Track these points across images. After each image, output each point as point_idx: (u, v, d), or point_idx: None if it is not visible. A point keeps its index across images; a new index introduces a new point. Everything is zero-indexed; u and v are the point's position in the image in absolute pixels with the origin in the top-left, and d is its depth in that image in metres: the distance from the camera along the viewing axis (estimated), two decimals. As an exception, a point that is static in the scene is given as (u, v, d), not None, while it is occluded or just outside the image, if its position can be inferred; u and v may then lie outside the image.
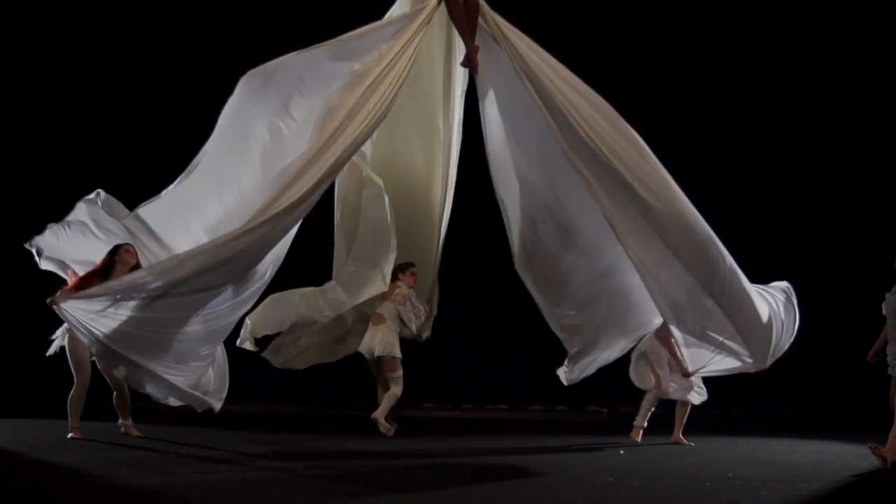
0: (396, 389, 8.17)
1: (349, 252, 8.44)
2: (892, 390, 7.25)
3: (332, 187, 8.04)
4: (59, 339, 7.52)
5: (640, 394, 8.31)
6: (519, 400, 11.03)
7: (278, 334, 8.39)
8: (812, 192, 10.84)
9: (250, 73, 7.06)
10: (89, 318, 6.45)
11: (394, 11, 7.91)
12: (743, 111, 10.95)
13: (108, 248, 7.40)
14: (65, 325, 7.08)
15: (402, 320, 8.27)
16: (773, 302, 7.48)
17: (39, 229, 7.65)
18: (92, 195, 7.53)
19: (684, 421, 8.20)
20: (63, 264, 7.63)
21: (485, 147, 7.95)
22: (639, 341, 8.21)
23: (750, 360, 7.36)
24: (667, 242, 6.94)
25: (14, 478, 6.07)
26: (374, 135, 8.22)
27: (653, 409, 8.28)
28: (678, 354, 7.75)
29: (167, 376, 6.86)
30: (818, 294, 8.37)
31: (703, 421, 8.67)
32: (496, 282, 10.26)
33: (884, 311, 7.26)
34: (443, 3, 7.44)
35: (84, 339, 6.68)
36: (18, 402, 9.78)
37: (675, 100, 10.77)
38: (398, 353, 8.15)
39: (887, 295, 7.22)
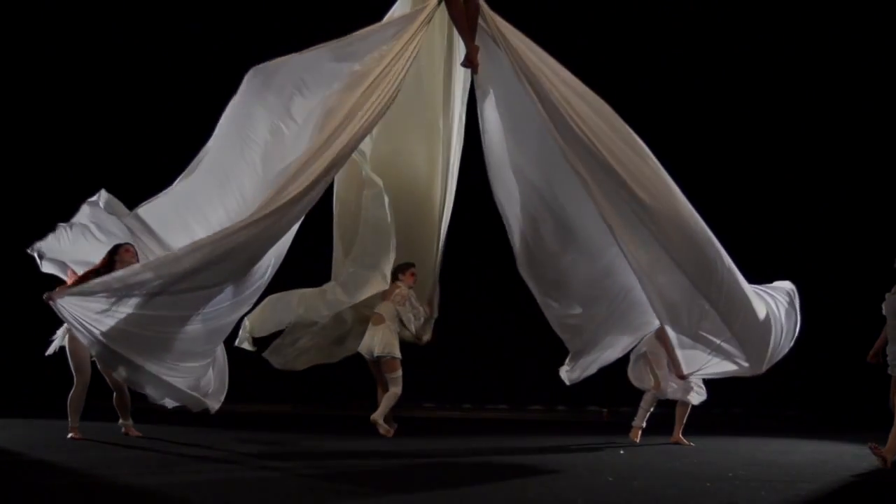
0: (396, 390, 8.17)
1: (348, 253, 8.43)
2: (892, 390, 7.25)
3: (331, 187, 8.05)
4: (59, 338, 7.52)
5: (640, 394, 8.32)
6: (519, 400, 11.03)
7: (277, 335, 8.40)
8: (812, 192, 10.84)
9: (252, 72, 7.08)
10: (87, 316, 6.44)
11: (394, 11, 7.92)
12: (743, 112, 10.94)
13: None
14: (65, 324, 7.07)
15: (401, 321, 8.26)
16: (773, 305, 7.43)
17: (39, 230, 7.65)
18: (94, 197, 7.52)
19: (684, 421, 8.20)
20: (63, 265, 7.63)
21: (483, 148, 7.95)
22: (639, 341, 8.21)
23: (746, 365, 7.31)
24: (664, 244, 6.92)
25: (14, 478, 6.08)
26: (375, 134, 8.26)
27: (652, 409, 8.28)
28: (674, 356, 7.73)
29: (167, 378, 6.86)
30: (818, 294, 8.37)
31: (703, 421, 8.67)
32: (496, 282, 10.27)
33: (884, 311, 7.26)
34: (443, 3, 7.44)
35: (83, 340, 6.66)
36: (18, 402, 9.78)
37: (676, 100, 10.76)
38: (397, 354, 8.14)
39: (887, 295, 7.22)
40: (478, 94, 7.85)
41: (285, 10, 10.78)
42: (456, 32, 7.73)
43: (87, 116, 10.85)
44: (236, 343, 8.04)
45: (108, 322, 6.47)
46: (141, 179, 7.94)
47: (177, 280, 6.48)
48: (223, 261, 6.56)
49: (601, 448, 7.93)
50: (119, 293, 6.45)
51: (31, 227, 7.81)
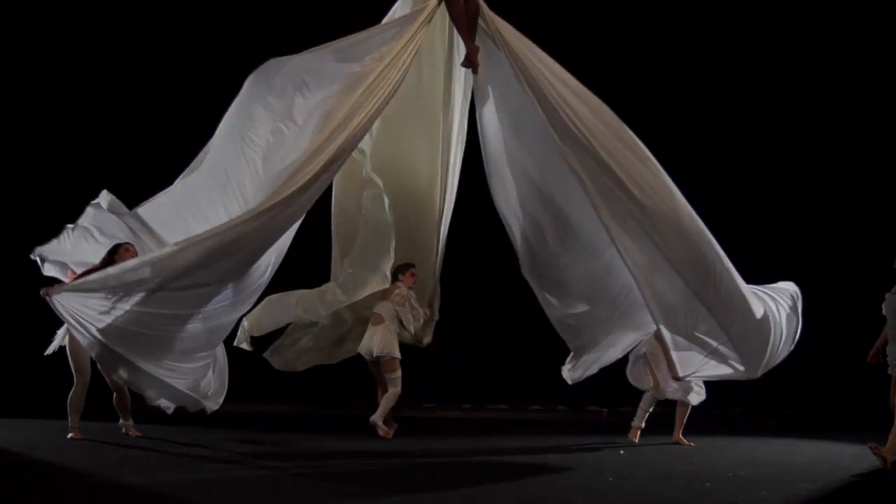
0: (395, 390, 8.15)
1: (348, 254, 8.43)
2: (892, 390, 7.25)
3: (330, 189, 8.05)
4: (59, 338, 7.52)
5: (640, 394, 8.31)
6: (519, 400, 11.03)
7: (275, 335, 8.40)
8: (812, 193, 10.84)
9: (254, 75, 7.09)
10: (84, 314, 6.41)
11: (395, 11, 7.93)
12: (742, 112, 10.94)
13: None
14: (66, 324, 7.07)
15: (401, 322, 8.25)
16: (774, 309, 7.37)
17: (39, 229, 7.65)
18: (97, 198, 7.52)
19: (684, 421, 8.20)
20: (64, 266, 7.62)
21: (481, 148, 7.96)
22: (639, 342, 8.20)
23: (742, 368, 7.24)
24: (660, 245, 6.88)
25: (14, 478, 6.08)
26: (376, 134, 8.27)
27: (651, 409, 8.27)
28: (669, 357, 7.65)
29: (167, 379, 6.86)
30: (818, 294, 8.36)
31: (703, 421, 8.67)
32: (496, 282, 10.28)
33: (884, 312, 7.26)
34: (443, 4, 7.44)
35: (81, 339, 6.63)
36: (18, 402, 9.78)
37: (676, 101, 10.76)
38: (397, 354, 8.14)
39: (887, 295, 7.22)
40: (476, 94, 7.85)
41: (286, 11, 10.78)
42: (456, 33, 7.73)
43: (88, 116, 10.85)
44: (235, 343, 8.04)
45: (106, 320, 6.46)
46: (141, 179, 7.95)
47: (176, 277, 6.47)
48: (222, 257, 6.55)
49: (601, 448, 7.93)
50: (117, 290, 6.44)
51: (31, 228, 7.82)
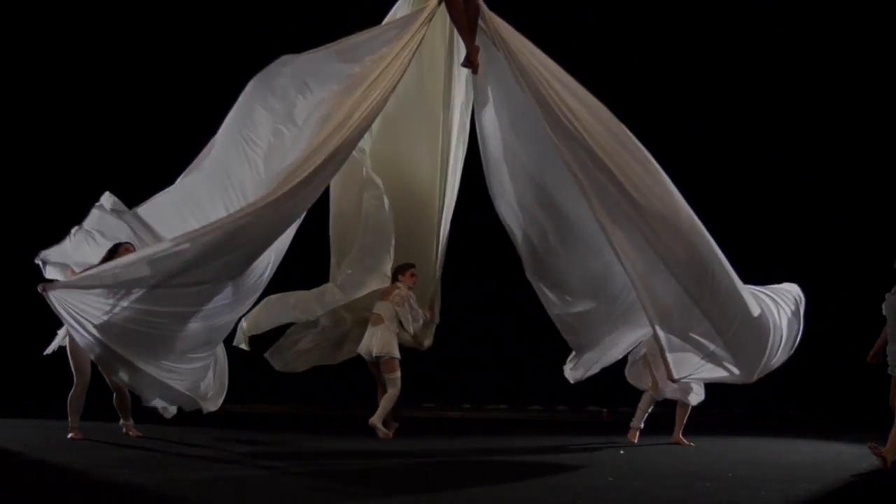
0: (394, 391, 8.15)
1: (346, 255, 8.43)
2: (892, 390, 7.25)
3: (328, 191, 8.05)
4: (60, 338, 7.52)
5: (640, 395, 8.31)
6: (519, 400, 11.03)
7: (274, 335, 8.40)
8: (812, 193, 10.83)
9: (257, 76, 7.10)
10: (81, 310, 6.39)
11: (396, 11, 7.94)
12: (742, 112, 10.94)
13: None
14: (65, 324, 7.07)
15: (400, 323, 8.24)
16: (775, 313, 7.34)
17: (40, 229, 7.66)
18: (101, 200, 7.52)
19: (684, 422, 8.20)
20: (65, 266, 7.63)
21: (480, 148, 7.96)
22: (639, 342, 8.19)
23: (737, 372, 7.23)
24: (657, 247, 6.85)
25: (14, 478, 6.08)
26: (377, 135, 8.28)
27: (649, 410, 8.27)
28: (664, 358, 7.60)
29: (167, 380, 6.86)
30: (818, 294, 8.36)
31: (703, 421, 8.67)
32: (496, 282, 10.28)
33: (884, 312, 7.25)
34: (443, 4, 7.45)
35: (78, 339, 6.62)
36: (18, 402, 9.78)
37: (677, 101, 10.76)
38: (396, 354, 8.13)
39: (887, 295, 7.21)
40: (476, 94, 7.85)
41: (287, 11, 10.78)
42: (456, 33, 7.74)
43: (88, 116, 10.85)
44: (234, 343, 8.05)
45: (105, 318, 6.43)
46: (142, 179, 7.95)
47: (175, 273, 6.47)
48: (222, 254, 6.54)
49: (601, 448, 7.93)
50: (116, 287, 6.42)
51: (31, 228, 7.82)
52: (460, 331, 9.74)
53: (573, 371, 8.33)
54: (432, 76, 8.24)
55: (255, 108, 7.15)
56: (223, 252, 6.56)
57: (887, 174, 10.60)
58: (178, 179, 7.38)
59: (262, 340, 8.35)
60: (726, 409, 10.33)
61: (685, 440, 8.18)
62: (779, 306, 7.47)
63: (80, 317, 6.41)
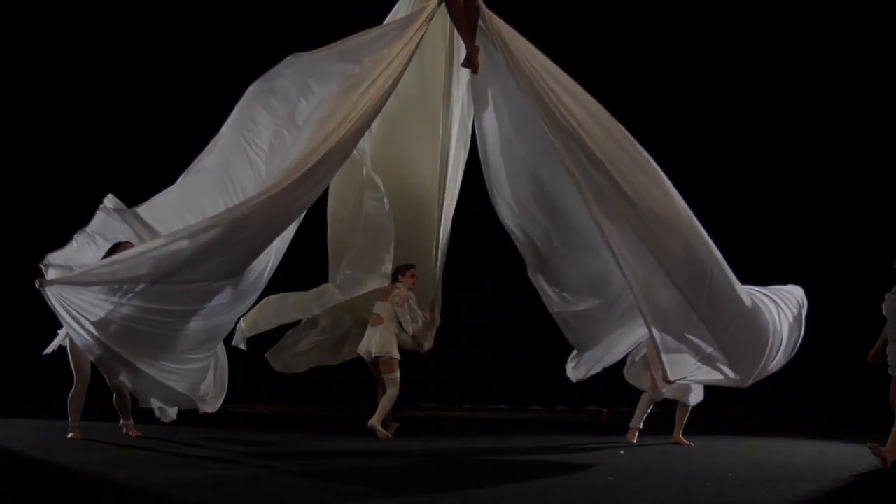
0: (393, 392, 8.13)
1: (346, 256, 8.43)
2: (892, 390, 7.25)
3: (326, 194, 8.04)
4: (60, 338, 7.52)
5: (640, 394, 8.31)
6: (519, 400, 11.02)
7: (275, 336, 8.40)
8: (812, 193, 10.83)
9: (260, 79, 7.11)
10: (80, 308, 6.38)
11: (396, 11, 7.94)
12: (742, 112, 10.94)
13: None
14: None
15: (400, 324, 8.23)
16: (776, 317, 7.31)
17: (39, 229, 7.65)
18: (104, 202, 7.52)
19: (684, 422, 8.19)
20: (68, 269, 7.61)
21: (479, 149, 7.96)
22: (640, 342, 8.18)
23: (732, 376, 7.22)
24: (654, 250, 6.84)
25: (14, 478, 6.08)
26: (377, 135, 8.27)
27: (648, 411, 8.27)
28: (660, 359, 7.57)
29: (167, 381, 6.86)
30: (818, 295, 8.35)
31: (703, 421, 8.67)
32: (497, 282, 10.27)
33: (884, 312, 7.26)
34: (443, 4, 7.45)
35: (75, 338, 6.61)
36: (18, 402, 9.77)
37: (676, 101, 10.75)
38: (396, 354, 8.13)
39: (887, 295, 7.21)
40: (476, 94, 7.84)
41: (287, 11, 10.78)
42: (457, 33, 7.73)
43: (88, 116, 10.84)
44: (233, 343, 8.06)
45: (104, 316, 6.41)
46: (142, 179, 7.95)
47: (174, 271, 6.45)
48: (221, 253, 6.52)
49: (601, 448, 7.93)
50: (115, 284, 6.39)
51: (31, 228, 7.81)
52: (460, 331, 9.73)
53: (575, 370, 8.33)
54: (433, 76, 8.24)
55: (258, 110, 7.16)
56: (222, 250, 6.55)
57: (887, 174, 10.59)
58: (179, 179, 7.38)
59: (260, 340, 8.35)
60: (726, 409, 10.32)
61: (685, 440, 8.18)
62: (780, 309, 7.44)
63: (78, 313, 6.39)
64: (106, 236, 7.46)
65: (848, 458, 7.48)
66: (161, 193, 7.43)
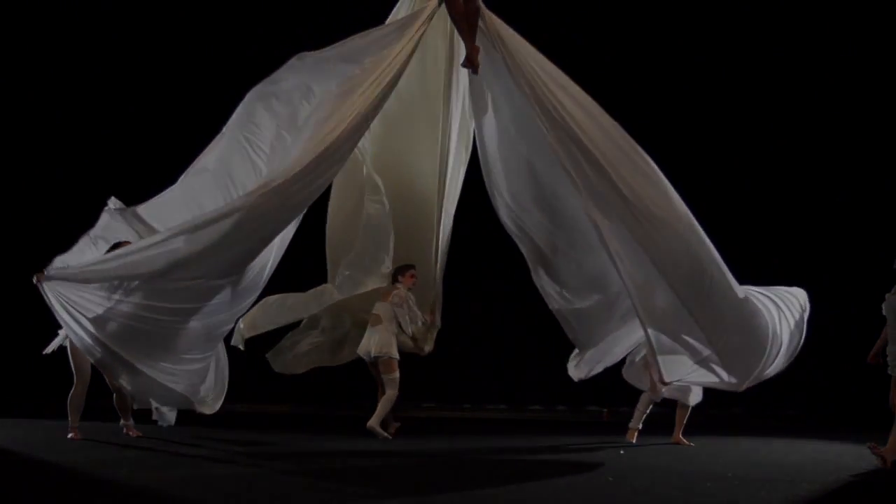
0: (392, 392, 8.12)
1: (346, 257, 8.42)
2: (892, 390, 7.25)
3: (325, 195, 8.04)
4: (60, 337, 7.52)
5: (640, 394, 8.31)
6: (519, 400, 11.03)
7: (274, 336, 8.40)
8: (812, 193, 10.83)
9: (263, 82, 7.12)
10: (79, 305, 6.36)
11: (397, 11, 7.95)
12: (742, 112, 10.94)
13: None
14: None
15: (399, 324, 8.23)
16: (776, 321, 7.28)
17: (39, 229, 7.65)
18: (108, 205, 7.52)
19: (684, 422, 8.19)
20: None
21: (478, 149, 7.96)
22: (639, 343, 8.18)
23: (727, 379, 7.21)
24: (650, 249, 6.83)
25: (14, 478, 6.08)
26: (377, 135, 8.27)
27: (648, 411, 8.26)
28: (655, 360, 7.53)
29: (167, 382, 6.85)
30: (818, 295, 8.35)
31: (703, 421, 8.67)
32: (497, 282, 10.27)
33: (884, 312, 7.26)
34: (443, 4, 7.45)
35: (73, 338, 6.61)
36: (18, 402, 9.77)
37: (676, 102, 10.76)
38: (395, 354, 8.12)
39: (887, 295, 7.21)
40: (475, 94, 7.84)
41: (288, 11, 10.78)
42: (457, 33, 7.73)
43: (89, 116, 10.84)
44: (232, 343, 8.06)
45: (101, 314, 6.41)
46: (143, 178, 7.95)
47: (172, 269, 6.45)
48: (220, 251, 6.52)
49: (601, 448, 7.93)
50: (115, 282, 6.39)
51: (31, 228, 7.81)
52: (460, 331, 9.74)
53: (576, 369, 8.32)
54: (433, 77, 8.24)
55: (260, 112, 7.18)
56: (221, 248, 6.55)
57: (887, 174, 10.59)
58: (180, 179, 7.38)
59: (260, 341, 8.35)
60: (726, 409, 10.32)
61: (685, 440, 8.18)
62: (781, 313, 7.42)
63: (76, 310, 6.39)
64: (107, 239, 7.47)
65: (848, 458, 7.48)
66: (162, 193, 7.44)
